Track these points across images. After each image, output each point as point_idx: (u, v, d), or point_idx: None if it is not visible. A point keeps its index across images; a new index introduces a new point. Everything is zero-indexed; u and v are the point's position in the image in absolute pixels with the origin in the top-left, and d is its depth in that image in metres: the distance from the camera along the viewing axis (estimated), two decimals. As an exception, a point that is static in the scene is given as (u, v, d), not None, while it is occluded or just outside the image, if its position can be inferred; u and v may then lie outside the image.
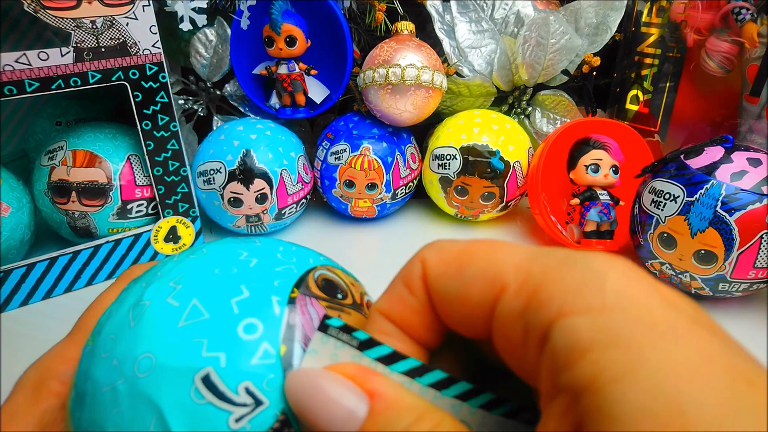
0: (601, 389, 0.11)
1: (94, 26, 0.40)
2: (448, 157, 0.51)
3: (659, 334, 0.11)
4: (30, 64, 0.38)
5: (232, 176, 0.47)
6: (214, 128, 0.56)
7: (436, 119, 0.55)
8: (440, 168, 0.52)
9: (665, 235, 0.40)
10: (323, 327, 0.15)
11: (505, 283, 0.14)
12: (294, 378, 0.15)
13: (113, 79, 0.42)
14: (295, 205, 0.51)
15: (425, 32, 0.55)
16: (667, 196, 0.40)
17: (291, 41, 0.50)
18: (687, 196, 0.38)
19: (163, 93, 0.44)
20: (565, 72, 0.56)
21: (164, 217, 0.48)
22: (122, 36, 0.41)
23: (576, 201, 0.49)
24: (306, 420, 0.14)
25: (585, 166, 0.48)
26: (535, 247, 0.15)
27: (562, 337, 0.12)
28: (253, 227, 0.51)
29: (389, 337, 0.16)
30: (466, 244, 0.15)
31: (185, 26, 0.49)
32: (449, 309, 0.15)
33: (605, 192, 0.49)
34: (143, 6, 0.41)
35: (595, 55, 0.54)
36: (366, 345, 0.15)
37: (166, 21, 0.49)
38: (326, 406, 0.14)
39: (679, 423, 0.10)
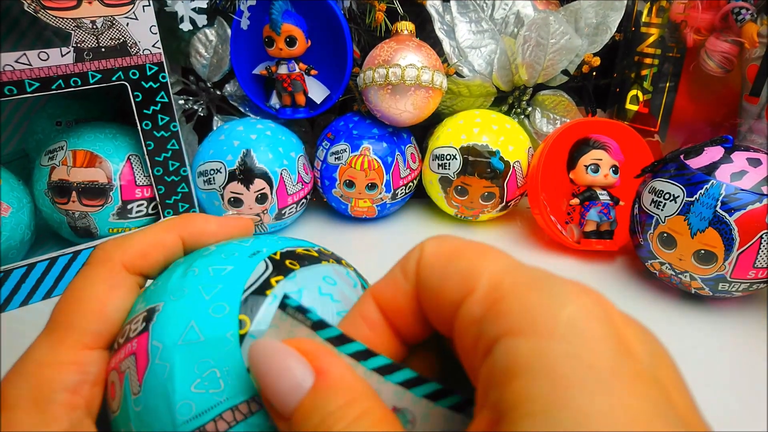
0: (516, 421, 0.11)
1: (94, 26, 0.40)
2: (448, 157, 0.51)
3: (593, 378, 0.11)
4: (30, 64, 0.38)
5: (232, 176, 0.47)
6: (214, 128, 0.56)
7: (436, 119, 0.55)
8: (440, 168, 0.52)
9: (665, 235, 0.40)
10: (282, 305, 0.16)
11: (474, 286, 0.14)
12: (254, 347, 0.15)
13: (113, 79, 0.42)
14: (295, 205, 0.51)
15: (425, 32, 0.55)
16: (666, 196, 0.40)
17: (291, 41, 0.50)
18: (687, 196, 0.38)
19: (163, 93, 0.44)
20: (565, 72, 0.56)
21: (164, 217, 0.48)
22: (122, 36, 0.41)
23: (576, 201, 0.49)
24: (260, 386, 0.15)
25: (585, 166, 0.48)
26: (522, 263, 0.14)
27: (503, 356, 0.12)
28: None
29: (369, 322, 0.16)
30: (463, 243, 0.16)
31: (185, 26, 0.49)
32: (427, 300, 0.16)
33: (605, 192, 0.49)
34: (143, 6, 0.41)
35: (594, 55, 0.54)
36: (318, 326, 0.16)
37: (167, 21, 0.49)
38: (277, 376, 0.15)
39: None
